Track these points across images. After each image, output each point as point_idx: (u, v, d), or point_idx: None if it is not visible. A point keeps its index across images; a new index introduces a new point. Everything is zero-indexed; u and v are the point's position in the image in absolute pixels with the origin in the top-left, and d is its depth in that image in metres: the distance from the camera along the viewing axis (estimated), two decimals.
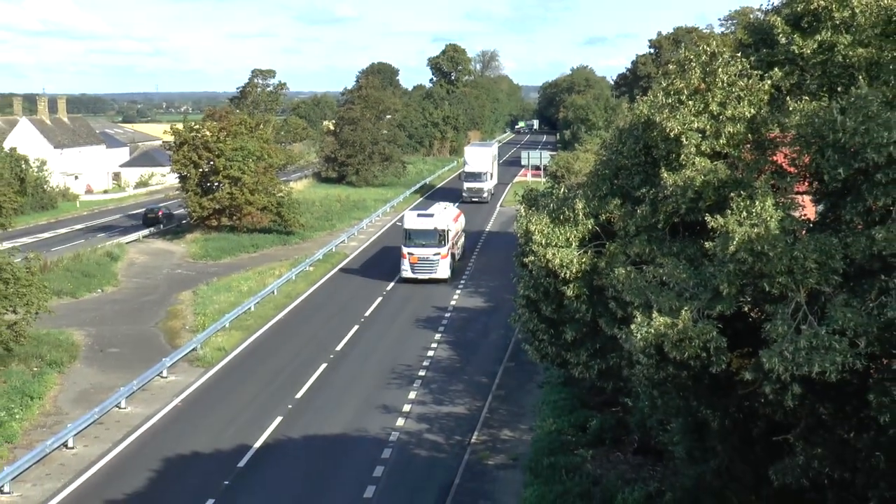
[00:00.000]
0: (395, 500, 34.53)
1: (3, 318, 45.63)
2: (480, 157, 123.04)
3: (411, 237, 71.42)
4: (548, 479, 34.93)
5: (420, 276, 70.79)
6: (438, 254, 70.98)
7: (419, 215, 73.78)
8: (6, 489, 34.83)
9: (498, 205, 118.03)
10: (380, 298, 65.86)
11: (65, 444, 39.03)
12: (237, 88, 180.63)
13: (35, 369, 48.49)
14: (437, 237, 70.91)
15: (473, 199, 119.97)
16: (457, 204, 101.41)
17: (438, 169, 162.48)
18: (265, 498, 34.78)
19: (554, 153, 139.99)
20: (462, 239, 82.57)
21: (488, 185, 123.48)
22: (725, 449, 25.79)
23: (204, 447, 39.24)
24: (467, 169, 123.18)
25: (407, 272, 71.20)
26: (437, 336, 56.67)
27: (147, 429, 41.45)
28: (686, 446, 29.02)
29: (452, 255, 73.80)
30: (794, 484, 21.27)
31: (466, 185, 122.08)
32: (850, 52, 21.39)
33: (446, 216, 74.42)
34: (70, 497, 34.90)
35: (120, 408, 43.61)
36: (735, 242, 18.76)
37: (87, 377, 48.92)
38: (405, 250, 71.36)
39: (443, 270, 71.29)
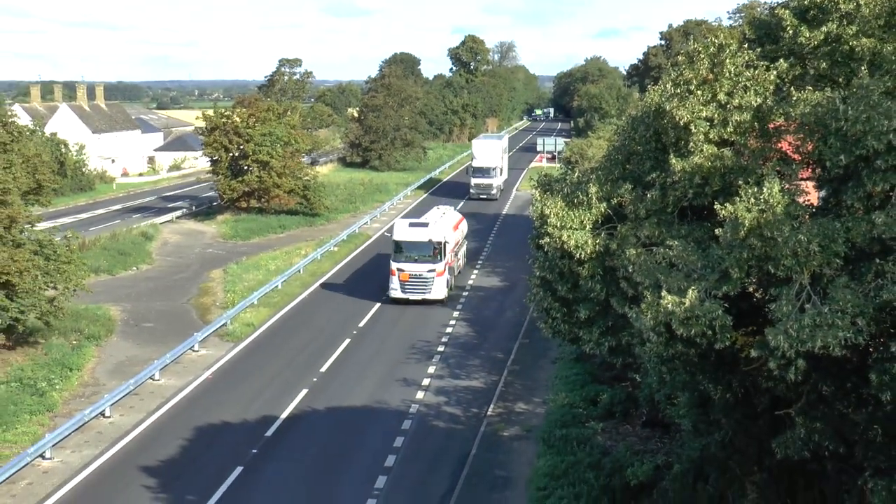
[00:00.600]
0: (414, 469, 34.69)
1: (44, 294, 45.90)
2: (489, 151, 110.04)
3: (402, 250, 58.87)
4: (560, 450, 35.07)
5: (411, 297, 58.49)
6: (433, 270, 58.27)
7: (411, 224, 60.89)
8: (48, 455, 35.16)
9: (514, 189, 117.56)
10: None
11: (102, 414, 39.36)
12: (265, 77, 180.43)
13: (74, 342, 48.87)
14: (432, 250, 58.37)
15: (482, 196, 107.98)
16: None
17: (458, 154, 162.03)
18: (291, 466, 34.97)
19: (568, 140, 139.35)
20: (464, 248, 69.99)
21: (497, 180, 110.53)
22: (730, 422, 25.81)
23: (233, 417, 39.47)
24: (475, 164, 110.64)
25: (396, 291, 58.74)
26: (455, 314, 56.79)
27: (179, 399, 41.73)
28: (692, 420, 29.04)
29: (451, 270, 61.31)
30: (795, 456, 21.31)
31: (474, 181, 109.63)
32: (855, 43, 21.32)
33: (444, 225, 61.87)
34: (107, 463, 35.20)
35: (154, 379, 43.91)
36: (745, 228, 18.75)
37: (122, 350, 49.23)
38: (394, 265, 58.60)
39: (438, 290, 58.70)
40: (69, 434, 36.99)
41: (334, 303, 59.84)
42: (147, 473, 34.09)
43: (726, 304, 19.35)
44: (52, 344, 47.83)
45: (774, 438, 21.59)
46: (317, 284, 64.90)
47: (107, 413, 39.49)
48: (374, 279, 65.30)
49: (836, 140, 18.77)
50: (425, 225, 60.39)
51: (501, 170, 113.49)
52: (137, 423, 39.06)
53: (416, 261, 58.23)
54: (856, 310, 17.46)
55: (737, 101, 21.58)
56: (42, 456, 35.10)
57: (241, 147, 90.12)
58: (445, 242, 59.05)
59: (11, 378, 42.94)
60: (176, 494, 32.48)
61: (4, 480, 32.97)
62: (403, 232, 59.36)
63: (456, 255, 63.58)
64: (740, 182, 20.10)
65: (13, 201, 44.56)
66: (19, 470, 33.79)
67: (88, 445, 36.69)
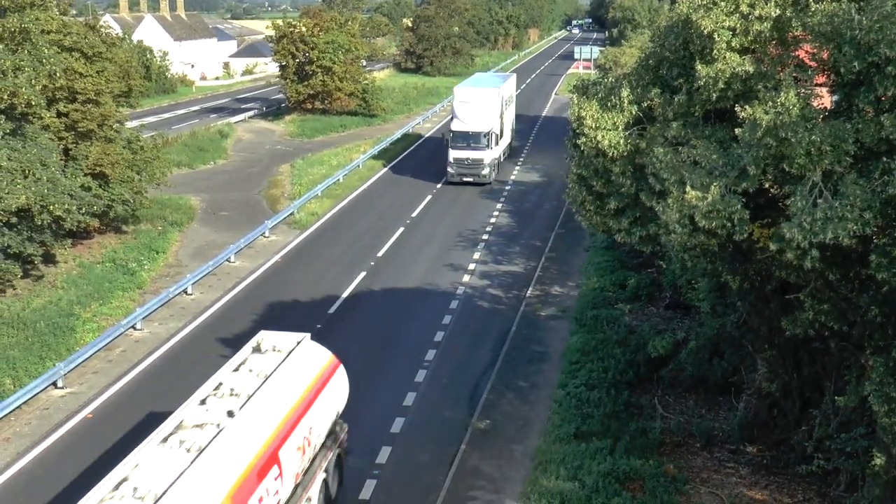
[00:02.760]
0: (461, 344, 35.03)
1: (132, 184, 46.19)
2: (477, 106, 62.28)
3: None
4: (591, 328, 35.25)
5: None
6: None
7: None
8: (138, 326, 35.93)
9: (553, 94, 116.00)
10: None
11: (185, 291, 39.99)
12: None
13: (160, 228, 49.46)
14: None
15: (465, 179, 61.22)
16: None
17: (501, 61, 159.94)
18: (352, 340, 35.38)
19: (603, 48, 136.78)
20: None
21: (491, 153, 61.60)
22: (744, 305, 25.82)
23: (299, 296, 39.92)
24: (454, 126, 61.79)
25: None
26: (499, 206, 56.71)
27: (252, 280, 42.24)
28: (710, 302, 29.09)
29: None
30: (802, 334, 21.34)
31: (453, 154, 61.28)
32: None
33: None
34: (189, 334, 35.88)
35: (230, 262, 44.44)
36: (762, 129, 18.51)
37: (202, 235, 49.76)
38: None
39: None
40: (156, 309, 37.70)
41: (389, 194, 59.87)
42: (224, 344, 34.67)
43: (744, 199, 19.20)
44: (140, 230, 48.49)
45: (784, 318, 21.59)
46: (374, 178, 64.93)
47: (189, 291, 40.14)
48: (426, 174, 65.26)
49: (850, 48, 18.34)
50: None
51: (498, 136, 63.87)
52: (215, 299, 39.68)
53: None
54: (864, 204, 17.26)
55: (758, 11, 21.07)
56: (133, 327, 35.89)
57: (307, 54, 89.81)
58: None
59: (106, 259, 43.70)
60: None
61: (103, 347, 33.81)
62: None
63: None
64: (759, 87, 19.77)
65: (105, 102, 44.80)
66: (115, 338, 34.62)
67: (173, 319, 37.38)
